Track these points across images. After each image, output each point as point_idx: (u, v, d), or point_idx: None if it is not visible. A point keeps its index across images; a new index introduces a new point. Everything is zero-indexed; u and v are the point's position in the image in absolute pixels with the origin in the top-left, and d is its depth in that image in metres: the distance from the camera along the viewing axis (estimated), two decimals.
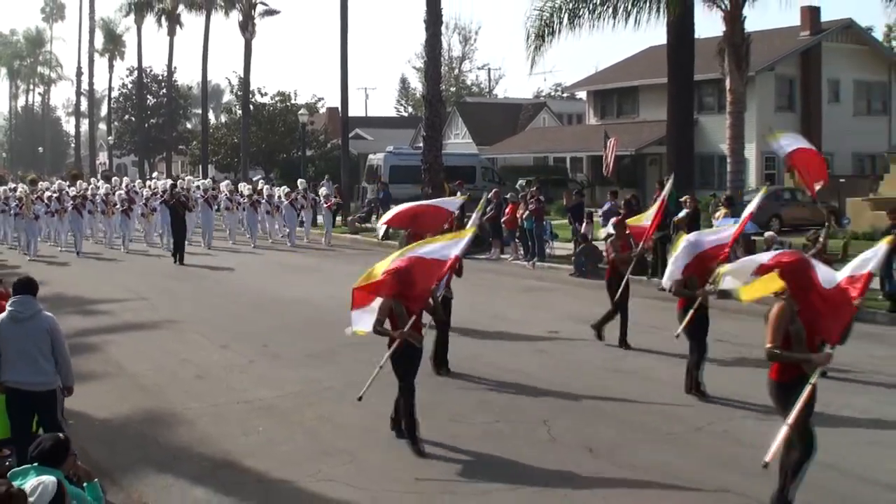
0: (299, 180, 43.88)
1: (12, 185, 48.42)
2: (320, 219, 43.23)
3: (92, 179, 58.98)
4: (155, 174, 66.45)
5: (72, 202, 39.05)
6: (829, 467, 10.98)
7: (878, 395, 14.30)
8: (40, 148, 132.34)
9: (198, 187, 42.69)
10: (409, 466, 11.23)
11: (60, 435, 7.76)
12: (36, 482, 6.73)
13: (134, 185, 50.21)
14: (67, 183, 48.83)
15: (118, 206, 39.55)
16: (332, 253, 37.03)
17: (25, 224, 37.54)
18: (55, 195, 41.93)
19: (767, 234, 26.12)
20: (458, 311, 22.49)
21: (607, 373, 15.86)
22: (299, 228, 41.60)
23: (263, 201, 41.88)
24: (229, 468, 11.36)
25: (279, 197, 42.02)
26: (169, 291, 26.68)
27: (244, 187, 44.29)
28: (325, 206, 41.44)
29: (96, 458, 11.59)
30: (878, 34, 74.79)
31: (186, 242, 35.50)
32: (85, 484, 7.62)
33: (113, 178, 56.11)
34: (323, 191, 44.23)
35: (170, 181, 46.90)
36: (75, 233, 38.13)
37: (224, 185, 44.22)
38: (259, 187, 45.22)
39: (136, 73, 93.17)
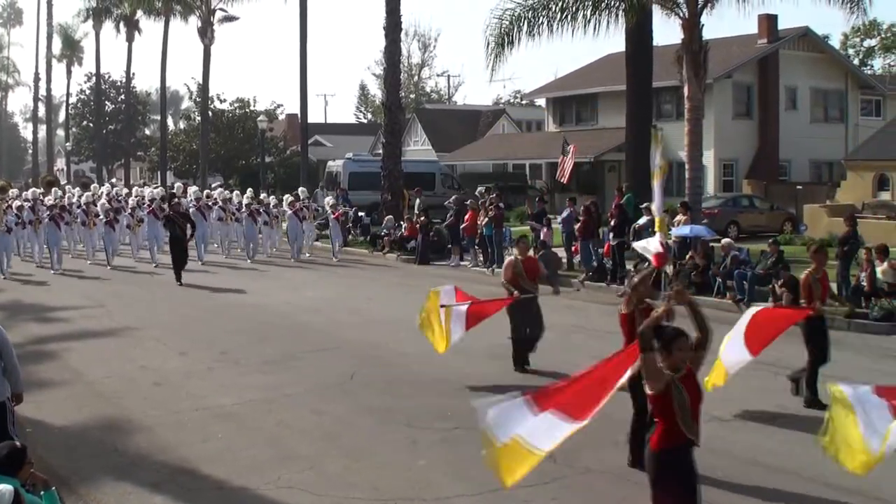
0: (300, 188, 41.02)
1: None
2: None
3: (67, 187, 54.39)
4: (113, 180, 65.94)
5: (48, 212, 35.10)
6: (786, 471, 11.08)
7: None
8: None
9: (188, 195, 40.08)
10: (369, 473, 11.22)
11: (17, 443, 7.70)
12: None
13: (114, 192, 45.89)
14: (41, 191, 44.81)
15: (101, 217, 35.81)
16: (340, 268, 33.96)
17: None
18: (29, 204, 38.53)
19: (724, 240, 26.36)
20: (414, 316, 22.55)
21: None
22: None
23: (262, 211, 37.64)
24: (188, 475, 11.31)
25: (274, 206, 38.67)
26: (127, 299, 26.52)
27: (245, 196, 39.18)
28: (332, 216, 37.48)
29: (54, 465, 11.51)
30: (835, 42, 75.73)
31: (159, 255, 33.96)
32: (42, 492, 7.56)
33: (93, 185, 52.46)
34: (328, 199, 40.20)
35: (153, 189, 43.19)
36: (52, 248, 33.93)
37: (217, 193, 40.85)
38: (247, 194, 39.67)
39: (94, 78, 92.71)
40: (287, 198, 38.39)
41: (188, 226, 30.50)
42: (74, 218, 37.52)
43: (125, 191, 48.18)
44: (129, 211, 38.08)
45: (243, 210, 37.30)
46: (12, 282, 30.50)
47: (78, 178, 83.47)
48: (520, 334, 16.86)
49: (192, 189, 42.38)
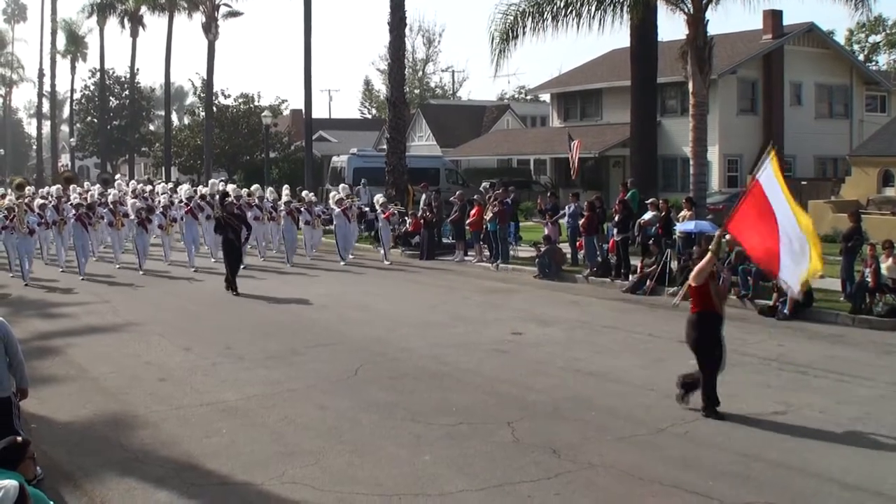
0: (341, 185, 38.25)
1: (0, 192, 40.91)
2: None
3: (86, 183, 50.92)
4: (117, 176, 65.70)
5: (74, 212, 31.29)
6: (789, 467, 11.08)
7: (837, 395, 14.42)
8: (1, 150, 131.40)
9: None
10: (373, 468, 11.22)
11: (18, 438, 7.71)
12: None
13: (140, 189, 43.21)
14: (59, 188, 40.92)
15: (132, 217, 32.60)
16: (391, 272, 31.72)
17: (17, 240, 29.76)
18: (51, 203, 35.19)
19: (729, 236, 26.31)
20: (419, 311, 22.63)
21: (570, 374, 15.91)
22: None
23: (304, 210, 34.56)
24: (193, 470, 11.30)
25: (311, 203, 35.43)
26: (132, 294, 26.54)
27: (283, 193, 36.83)
28: (382, 216, 34.37)
29: (58, 461, 11.54)
30: (840, 38, 75.71)
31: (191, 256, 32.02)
32: None
33: (117, 182, 49.05)
34: (378, 198, 35.99)
35: (196, 186, 39.58)
36: (78, 251, 30.42)
37: (254, 189, 37.75)
38: (284, 192, 37.16)
39: (98, 74, 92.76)
40: (334, 195, 35.65)
41: (242, 227, 27.33)
42: (100, 218, 34.23)
43: (149, 187, 45.91)
44: (161, 210, 34.45)
45: (282, 209, 34.67)
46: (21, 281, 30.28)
47: (102, 175, 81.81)
48: (718, 367, 13.49)
49: (231, 187, 38.98)
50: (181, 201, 36.30)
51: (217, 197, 34.55)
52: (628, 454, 11.58)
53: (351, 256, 34.01)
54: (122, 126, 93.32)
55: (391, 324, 20.89)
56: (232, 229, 26.56)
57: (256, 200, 35.57)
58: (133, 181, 53.34)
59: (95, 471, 11.37)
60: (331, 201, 35.55)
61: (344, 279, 29.25)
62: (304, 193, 37.42)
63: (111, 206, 34.55)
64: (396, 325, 20.75)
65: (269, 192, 37.57)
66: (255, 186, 39.14)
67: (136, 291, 26.99)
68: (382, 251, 34.26)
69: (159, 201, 36.46)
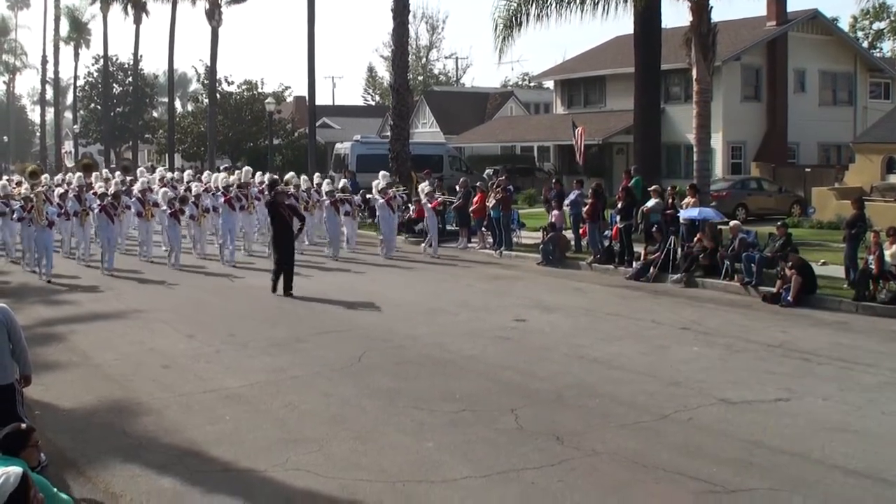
0: (381, 172, 34.59)
1: (16, 179, 39.57)
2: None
3: (104, 171, 46.84)
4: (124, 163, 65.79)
5: (99, 203, 29.43)
6: (791, 454, 11.07)
7: (841, 382, 14.40)
8: (5, 137, 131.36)
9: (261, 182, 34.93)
10: (377, 455, 11.22)
11: (21, 425, 7.71)
12: (1, 472, 6.70)
13: (166, 177, 41.36)
14: (81, 176, 37.59)
15: (164, 208, 30.49)
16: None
17: (35, 233, 27.28)
18: (73, 192, 32.36)
19: (733, 223, 26.33)
20: (423, 298, 22.62)
21: (574, 361, 15.91)
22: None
23: (345, 200, 32.54)
24: (196, 457, 11.31)
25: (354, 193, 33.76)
26: (136, 281, 26.54)
27: (324, 183, 34.58)
28: (429, 206, 32.06)
29: (62, 447, 11.55)
30: (844, 25, 75.58)
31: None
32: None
33: (139, 169, 47.26)
34: (424, 187, 33.27)
35: (248, 174, 36.22)
36: (103, 243, 28.49)
37: (290, 177, 35.36)
38: (325, 183, 34.56)
39: (101, 61, 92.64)
40: (376, 183, 32.74)
41: (294, 219, 24.73)
42: (126, 208, 31.83)
43: (168, 175, 44.34)
44: (193, 199, 31.31)
45: (324, 199, 32.58)
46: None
47: (122, 161, 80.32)
48: None
49: (266, 176, 37.58)
50: (206, 190, 34.29)
51: (263, 186, 33.67)
52: (631, 441, 11.57)
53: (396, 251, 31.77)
54: (126, 113, 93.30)
55: (394, 311, 20.89)
56: (282, 220, 23.87)
57: (292, 189, 32.69)
58: (160, 168, 52.68)
59: (99, 457, 11.38)
60: (373, 190, 33.00)
61: (346, 266, 29.07)
62: (342, 182, 35.56)
63: (139, 195, 32.25)
64: (400, 311, 20.75)
65: (303, 181, 35.35)
66: (290, 174, 36.67)
67: (141, 279, 26.93)
68: (432, 244, 31.77)
69: (188, 188, 34.68)
